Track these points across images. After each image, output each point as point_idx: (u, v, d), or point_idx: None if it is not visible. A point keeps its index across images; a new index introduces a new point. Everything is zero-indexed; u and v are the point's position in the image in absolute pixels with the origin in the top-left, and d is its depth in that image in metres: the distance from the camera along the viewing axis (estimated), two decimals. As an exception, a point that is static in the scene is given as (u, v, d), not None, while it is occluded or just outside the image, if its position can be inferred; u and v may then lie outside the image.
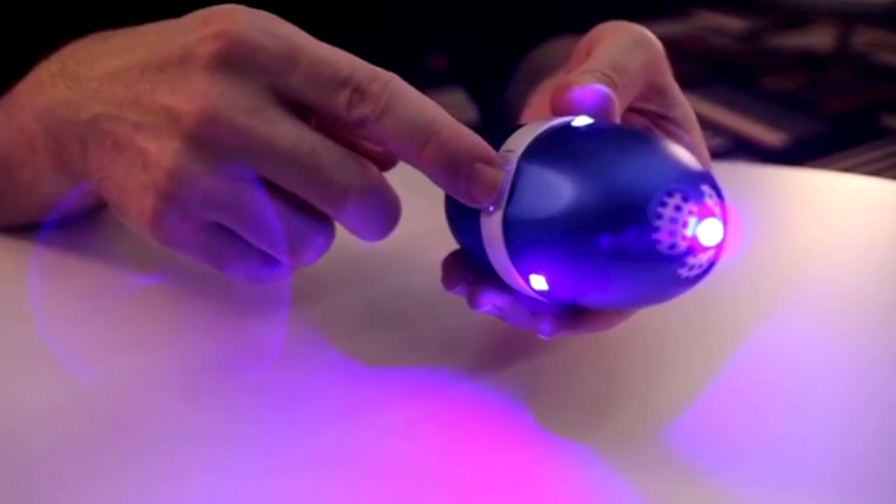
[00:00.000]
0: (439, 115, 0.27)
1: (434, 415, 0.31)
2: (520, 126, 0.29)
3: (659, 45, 0.33)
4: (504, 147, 0.29)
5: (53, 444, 0.28)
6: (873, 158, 2.25)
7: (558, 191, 0.26)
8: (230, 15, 0.28)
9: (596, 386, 0.34)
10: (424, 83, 0.72)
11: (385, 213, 0.29)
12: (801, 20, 3.27)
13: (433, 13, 0.62)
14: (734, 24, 3.26)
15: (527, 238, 0.27)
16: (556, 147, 0.27)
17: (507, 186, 0.27)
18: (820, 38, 3.09)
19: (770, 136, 2.34)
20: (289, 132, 0.27)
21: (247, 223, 0.28)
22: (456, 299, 0.32)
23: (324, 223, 0.30)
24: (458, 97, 0.66)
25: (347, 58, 0.28)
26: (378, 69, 0.28)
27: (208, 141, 0.27)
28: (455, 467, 0.29)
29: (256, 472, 0.28)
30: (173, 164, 0.27)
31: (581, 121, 0.28)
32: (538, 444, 0.30)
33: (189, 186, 0.27)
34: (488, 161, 0.27)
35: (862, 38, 3.03)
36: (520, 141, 0.28)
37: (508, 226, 0.27)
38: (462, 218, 0.30)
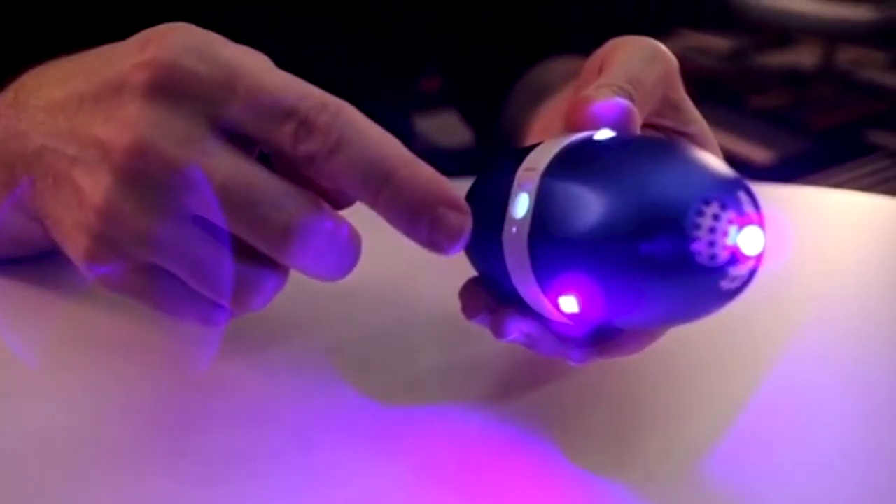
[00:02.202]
0: (397, 151, 0.25)
1: (451, 451, 0.30)
2: (536, 144, 0.28)
3: (673, 60, 0.32)
4: (524, 165, 0.27)
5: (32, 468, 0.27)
6: (861, 174, 2.27)
7: (588, 205, 0.24)
8: (164, 39, 0.25)
9: (621, 415, 0.33)
10: (418, 105, 0.73)
11: (336, 253, 0.26)
12: (785, 39, 3.30)
13: (428, 35, 0.62)
14: (719, 43, 3.29)
15: (555, 258, 0.25)
16: (582, 161, 0.26)
17: (532, 206, 0.26)
18: (804, 57, 3.13)
19: (758, 154, 2.35)
20: (223, 164, 0.24)
21: (183, 265, 0.26)
22: (465, 328, 0.31)
23: (270, 265, 0.27)
24: (452, 120, 0.66)
25: (294, 85, 0.25)
26: (328, 97, 0.25)
27: (138, 175, 0.25)
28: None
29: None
30: (103, 202, 0.25)
31: (603, 134, 0.27)
32: (562, 477, 0.29)
33: (119, 225, 0.25)
34: (452, 205, 0.25)
35: (845, 55, 3.07)
36: (541, 158, 0.27)
37: (534, 246, 0.26)
38: (481, 242, 0.28)
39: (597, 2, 0.64)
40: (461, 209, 0.25)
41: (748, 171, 2.23)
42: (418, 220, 0.25)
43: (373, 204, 0.25)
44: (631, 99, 0.28)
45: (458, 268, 0.32)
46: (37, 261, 0.38)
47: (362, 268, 0.28)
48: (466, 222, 0.25)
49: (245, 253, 0.26)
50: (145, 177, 0.25)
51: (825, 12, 2.67)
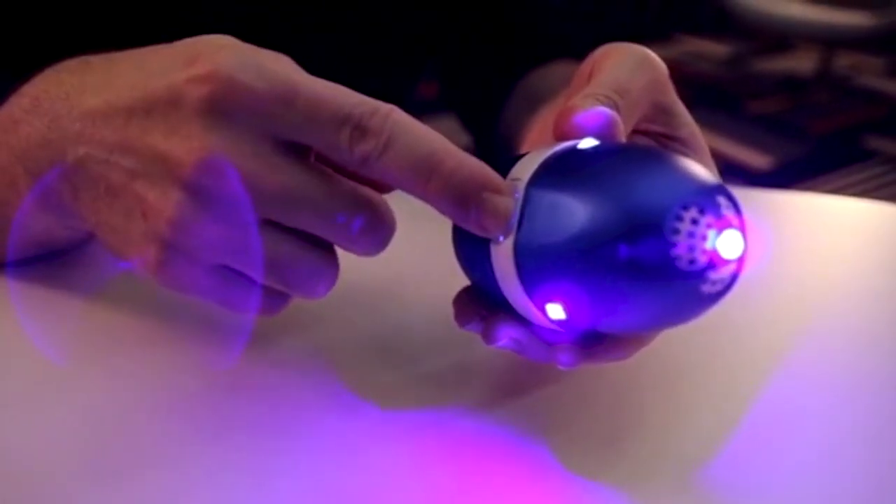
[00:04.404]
0: (442, 144, 0.27)
1: (445, 454, 0.30)
2: (523, 154, 0.29)
3: (662, 66, 0.32)
4: (510, 175, 0.28)
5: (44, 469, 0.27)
6: (859, 180, 2.27)
7: (570, 214, 0.25)
8: (218, 54, 0.26)
9: (613, 419, 0.33)
10: (416, 111, 0.73)
11: (388, 235, 0.28)
12: (783, 45, 3.31)
13: (426, 39, 0.62)
14: (718, 49, 3.30)
15: (540, 266, 0.26)
16: (565, 171, 0.27)
17: (517, 215, 0.26)
18: (802, 62, 3.14)
19: (756, 159, 2.36)
20: (294, 176, 0.26)
21: (256, 265, 0.28)
22: (459, 332, 0.31)
23: (330, 255, 0.29)
24: (450, 125, 0.67)
25: (344, 93, 0.27)
26: (377, 102, 0.27)
27: (210, 190, 0.26)
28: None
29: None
30: (176, 214, 0.26)
31: (587, 143, 0.28)
32: (554, 481, 0.29)
33: (193, 235, 0.27)
34: (496, 189, 0.26)
35: (843, 61, 3.08)
36: (526, 168, 0.27)
37: (520, 255, 0.26)
38: (471, 251, 0.29)
39: (595, 7, 0.64)
40: (504, 192, 0.27)
41: (746, 176, 2.24)
42: (466, 205, 0.26)
43: (422, 194, 0.27)
44: (616, 107, 0.29)
45: (453, 274, 0.32)
46: (51, 260, 0.38)
47: (359, 273, 0.28)
48: (510, 205, 0.27)
49: (308, 244, 0.28)
50: (216, 190, 0.26)
51: (823, 18, 2.67)
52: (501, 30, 0.61)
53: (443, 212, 0.27)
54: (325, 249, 0.29)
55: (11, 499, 0.27)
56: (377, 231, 0.28)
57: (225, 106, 0.26)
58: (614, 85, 0.30)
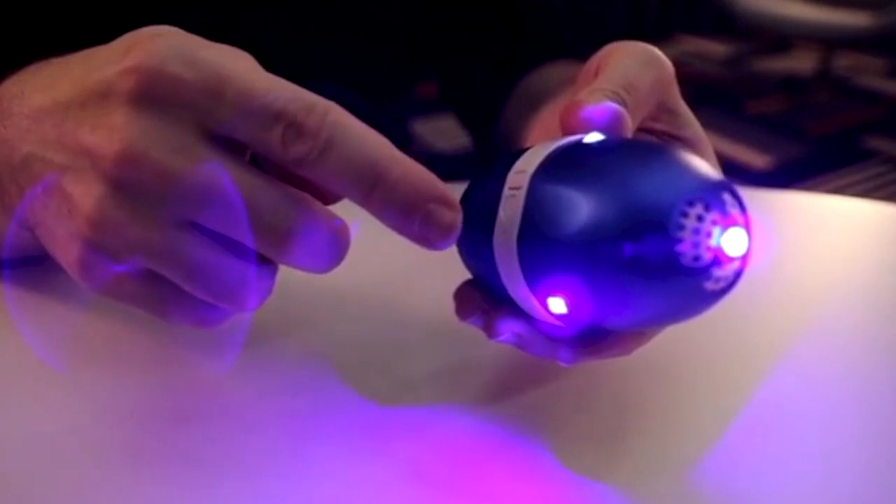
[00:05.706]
0: (387, 151, 0.25)
1: (443, 453, 0.30)
2: (528, 147, 0.29)
3: (669, 65, 0.32)
4: (514, 168, 0.28)
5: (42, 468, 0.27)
6: (858, 180, 2.27)
7: (574, 207, 0.24)
8: (149, 44, 0.25)
9: (612, 419, 0.33)
10: (416, 109, 0.73)
11: (331, 249, 0.26)
12: (782, 45, 3.32)
13: (425, 39, 0.63)
14: (717, 49, 3.30)
15: (543, 259, 0.26)
16: (570, 164, 0.26)
17: (521, 208, 0.26)
18: (802, 62, 3.14)
19: (756, 159, 2.36)
20: (219, 174, 0.25)
21: (178, 271, 0.26)
22: (458, 330, 0.31)
23: (265, 265, 0.27)
24: (450, 124, 0.67)
25: (280, 87, 0.25)
26: (315, 98, 0.25)
27: (130, 184, 0.24)
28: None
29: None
30: (95, 210, 0.25)
31: (592, 137, 0.27)
32: (553, 480, 0.29)
33: (113, 233, 0.25)
34: (444, 201, 0.25)
35: (842, 61, 3.08)
36: (531, 161, 0.27)
37: (523, 248, 0.26)
38: (473, 244, 0.29)
39: (595, 7, 0.64)
40: (451, 205, 0.26)
41: (745, 176, 2.24)
42: (411, 217, 0.25)
43: (364, 203, 0.25)
44: (623, 103, 0.29)
45: (454, 270, 0.32)
46: (47, 263, 0.38)
47: (358, 269, 0.28)
48: (457, 218, 0.26)
49: (238, 253, 0.26)
50: (137, 185, 0.25)
51: (823, 18, 2.67)
52: (501, 30, 0.61)
53: (384, 221, 0.26)
54: (257, 259, 0.27)
55: (7, 501, 0.27)
56: (314, 246, 0.26)
57: (151, 97, 0.25)
58: (622, 81, 0.30)
